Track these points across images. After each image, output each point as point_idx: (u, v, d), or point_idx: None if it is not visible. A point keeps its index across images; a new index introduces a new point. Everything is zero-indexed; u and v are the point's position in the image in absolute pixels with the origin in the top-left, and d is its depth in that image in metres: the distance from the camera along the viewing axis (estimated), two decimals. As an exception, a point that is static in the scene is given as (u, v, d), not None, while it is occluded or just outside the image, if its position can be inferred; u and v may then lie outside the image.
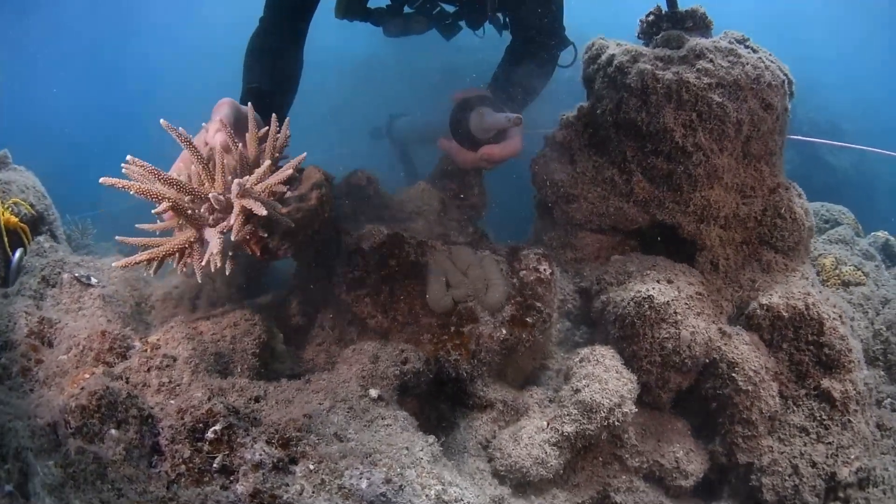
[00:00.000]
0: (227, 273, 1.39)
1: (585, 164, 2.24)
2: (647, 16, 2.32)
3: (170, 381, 1.44)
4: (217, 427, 1.23)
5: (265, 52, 2.06)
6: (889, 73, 10.99)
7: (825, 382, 1.86)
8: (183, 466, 1.20)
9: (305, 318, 2.02)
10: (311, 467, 1.18)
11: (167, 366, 1.49)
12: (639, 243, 2.29)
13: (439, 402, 1.81)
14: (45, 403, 1.44)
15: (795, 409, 1.89)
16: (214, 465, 1.20)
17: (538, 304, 1.84)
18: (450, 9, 3.17)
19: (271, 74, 1.97)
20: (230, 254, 1.41)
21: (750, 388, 1.81)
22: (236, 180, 1.40)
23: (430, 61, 5.29)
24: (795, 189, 2.17)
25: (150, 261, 1.43)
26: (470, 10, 3.03)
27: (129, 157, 1.39)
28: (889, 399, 2.36)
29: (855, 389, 1.86)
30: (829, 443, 1.83)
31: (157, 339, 1.62)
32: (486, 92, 2.35)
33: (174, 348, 1.56)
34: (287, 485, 1.16)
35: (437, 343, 1.71)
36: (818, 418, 1.86)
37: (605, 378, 1.69)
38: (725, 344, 1.87)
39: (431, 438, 1.39)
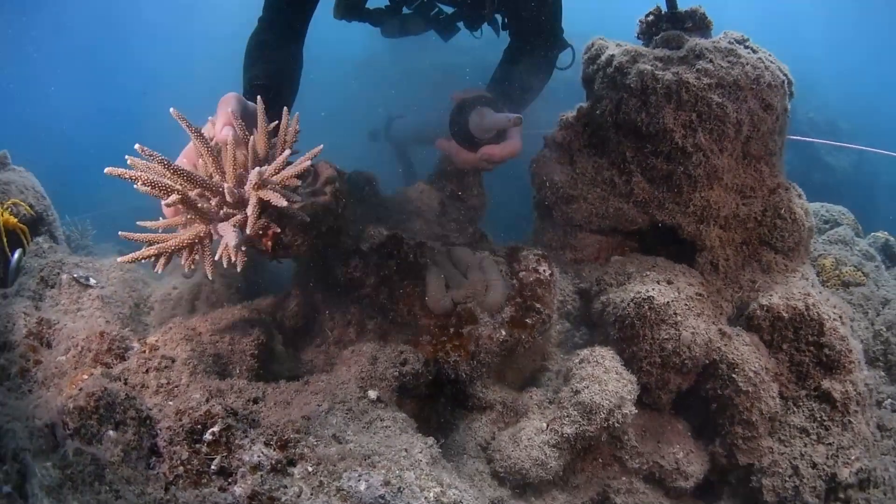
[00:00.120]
0: (238, 269, 1.33)
1: (585, 164, 2.24)
2: (647, 16, 2.32)
3: (168, 383, 1.44)
4: (215, 428, 1.22)
5: (266, 50, 2.05)
6: (889, 72, 10.99)
7: (825, 383, 1.86)
8: (181, 468, 1.20)
9: (304, 319, 2.01)
10: (310, 469, 1.18)
11: (165, 367, 1.49)
12: (638, 244, 2.29)
13: (438, 404, 1.81)
14: (43, 404, 1.44)
15: (796, 409, 1.89)
16: (212, 467, 1.20)
17: (538, 305, 1.84)
18: (448, 10, 3.17)
19: (273, 72, 1.95)
20: (242, 248, 1.34)
21: (750, 388, 1.81)
22: (255, 169, 1.34)
23: (429, 62, 5.28)
24: (795, 189, 2.16)
25: (158, 256, 1.35)
26: (468, 11, 3.03)
27: (138, 146, 1.31)
28: (889, 399, 2.36)
29: (855, 390, 1.85)
30: (830, 444, 1.83)
31: (156, 341, 1.62)
32: (486, 92, 2.35)
33: (172, 349, 1.56)
34: (285, 487, 1.16)
35: (437, 344, 1.71)
36: (818, 419, 1.86)
37: (604, 379, 1.69)
38: (725, 345, 1.87)
39: (430, 440, 1.39)
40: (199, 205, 1.35)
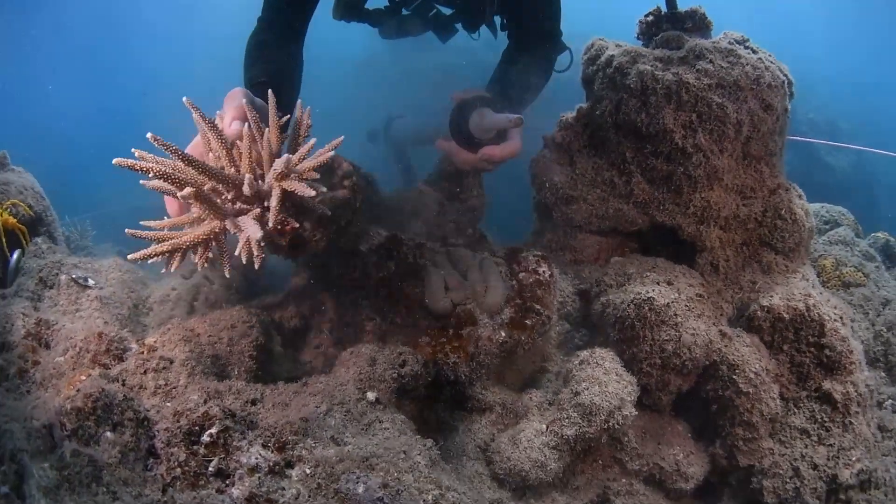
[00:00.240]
0: (256, 266, 1.26)
1: (585, 165, 2.23)
2: (647, 16, 2.32)
3: (166, 384, 1.44)
4: (213, 430, 1.22)
5: (266, 50, 2.04)
6: (889, 73, 10.99)
7: (826, 384, 1.85)
8: (178, 470, 1.19)
9: (303, 320, 2.01)
10: (308, 471, 1.17)
11: (164, 368, 1.48)
12: (638, 245, 2.29)
13: (438, 405, 1.80)
14: (41, 405, 1.43)
15: (796, 410, 1.88)
16: (210, 469, 1.19)
17: (537, 307, 1.83)
18: (446, 11, 3.17)
19: (274, 72, 1.93)
20: (262, 244, 1.27)
21: (751, 390, 1.81)
22: (284, 156, 1.28)
23: (428, 62, 5.28)
24: (796, 190, 2.16)
25: (171, 252, 1.29)
26: (467, 12, 3.03)
27: (150, 136, 1.24)
28: (890, 400, 2.35)
29: (856, 391, 1.85)
30: (831, 445, 1.82)
31: (154, 341, 1.61)
32: (486, 93, 2.34)
33: (171, 350, 1.56)
34: (283, 489, 1.15)
35: (436, 345, 1.70)
36: (819, 420, 1.85)
37: (604, 380, 1.68)
38: (726, 346, 1.86)
39: (429, 442, 1.38)
40: (215, 199, 1.27)
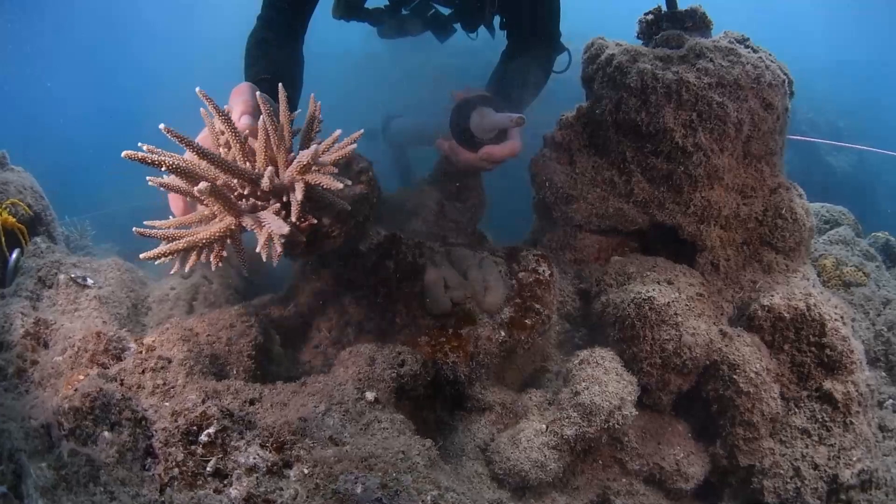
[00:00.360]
0: (274, 264, 1.22)
1: (585, 164, 2.23)
2: (647, 15, 2.31)
3: (164, 383, 1.43)
4: (211, 430, 1.21)
5: (266, 48, 2.03)
6: (889, 72, 10.98)
7: (827, 384, 1.85)
8: (176, 469, 1.19)
9: (302, 319, 2.00)
10: (306, 471, 1.17)
11: (162, 367, 1.48)
12: (639, 244, 2.28)
13: (437, 405, 1.80)
14: (39, 405, 1.43)
15: (797, 410, 1.88)
16: (208, 469, 1.18)
17: (537, 306, 1.83)
18: (445, 11, 3.17)
19: (278, 68, 1.91)
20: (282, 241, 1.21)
21: (751, 389, 1.80)
22: (312, 147, 1.24)
23: (426, 62, 5.27)
24: (796, 189, 2.15)
25: (187, 250, 1.23)
26: (466, 12, 3.03)
27: (163, 127, 1.18)
28: (891, 400, 2.35)
29: (857, 391, 1.84)
30: (831, 445, 1.82)
31: (153, 341, 1.61)
32: (486, 92, 2.34)
33: (169, 350, 1.55)
34: (281, 489, 1.15)
35: (435, 345, 1.70)
36: (820, 420, 1.85)
37: (604, 380, 1.68)
38: (726, 345, 1.86)
39: (428, 442, 1.38)
40: (229, 195, 1.22)
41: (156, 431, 1.27)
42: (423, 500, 1.14)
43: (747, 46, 2.11)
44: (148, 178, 1.25)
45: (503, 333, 1.76)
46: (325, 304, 1.96)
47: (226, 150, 1.36)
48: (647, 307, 1.81)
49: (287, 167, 1.28)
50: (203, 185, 1.13)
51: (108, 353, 1.55)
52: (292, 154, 1.34)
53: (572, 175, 2.23)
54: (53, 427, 1.36)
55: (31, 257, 2.11)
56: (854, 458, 1.80)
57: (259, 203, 1.27)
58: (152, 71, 9.57)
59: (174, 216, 1.38)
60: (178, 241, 1.21)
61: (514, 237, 2.54)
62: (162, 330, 1.66)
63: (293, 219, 1.20)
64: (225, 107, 1.50)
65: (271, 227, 1.17)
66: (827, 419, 1.84)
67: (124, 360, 1.54)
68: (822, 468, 1.79)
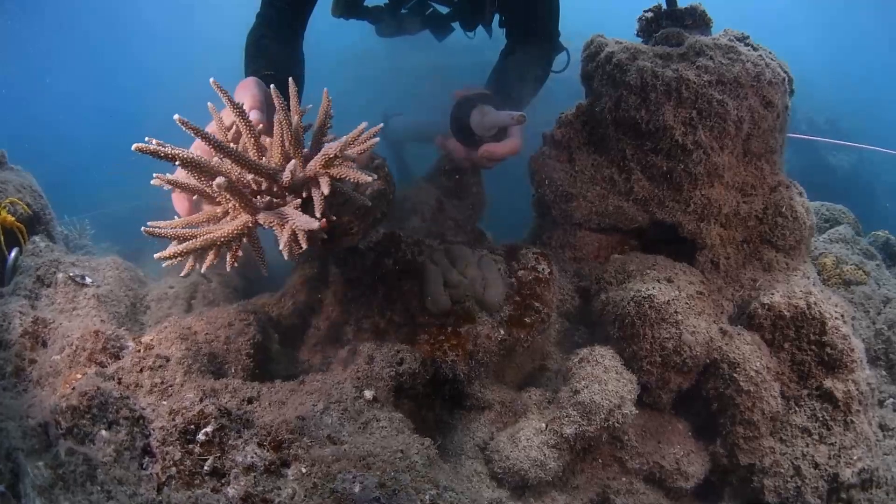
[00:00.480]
0: (291, 258, 1.16)
1: (584, 162, 2.22)
2: (646, 13, 2.31)
3: (162, 382, 1.43)
4: (208, 429, 1.21)
5: (266, 45, 2.01)
6: (889, 72, 10.97)
7: (827, 382, 1.84)
8: (174, 469, 1.18)
9: (301, 318, 2.00)
10: (304, 470, 1.16)
11: (160, 366, 1.47)
12: (638, 242, 2.27)
13: (436, 404, 1.79)
14: (37, 404, 1.43)
15: (797, 409, 1.87)
16: (205, 468, 1.18)
17: (537, 304, 1.82)
18: (443, 10, 3.17)
19: (279, 65, 1.89)
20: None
21: (751, 388, 1.79)
22: (341, 138, 1.20)
23: (423, 60, 5.26)
24: (796, 187, 2.15)
25: (204, 249, 1.18)
26: (465, 11, 3.02)
27: (177, 118, 1.12)
28: (891, 399, 2.34)
29: (857, 389, 1.83)
30: (832, 443, 1.81)
31: (151, 339, 1.60)
32: (486, 90, 2.34)
33: (167, 348, 1.55)
34: (279, 488, 1.14)
35: (434, 343, 1.69)
36: (820, 419, 1.84)
37: (604, 379, 1.67)
38: (726, 344, 1.85)
39: (427, 441, 1.37)
40: (245, 192, 1.18)
41: (153, 430, 1.27)
42: (421, 500, 1.13)
43: (747, 44, 2.10)
44: (155, 174, 1.20)
45: (502, 332, 1.75)
46: (323, 302, 1.96)
47: (234, 145, 1.30)
48: (646, 305, 1.80)
49: (301, 163, 1.25)
50: (221, 180, 1.08)
51: (106, 352, 1.55)
52: (305, 150, 1.30)
53: (572, 173, 2.22)
54: (51, 426, 1.35)
55: (30, 256, 2.10)
56: (855, 457, 1.79)
57: (275, 200, 1.23)
58: (152, 71, 9.57)
59: (179, 216, 1.33)
60: (194, 240, 1.17)
61: (513, 235, 2.53)
62: (160, 328, 1.66)
63: (317, 214, 1.16)
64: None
65: (298, 222, 1.12)
66: (827, 418, 1.83)
67: (122, 358, 1.54)
68: (822, 467, 1.79)
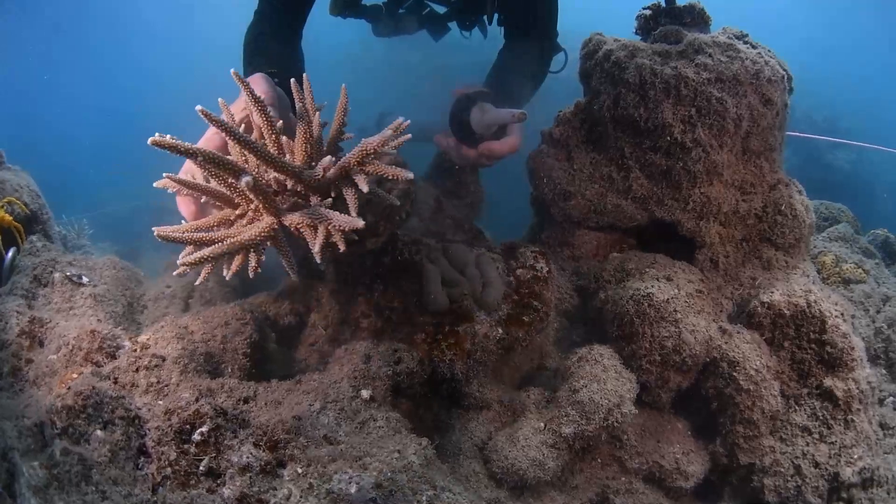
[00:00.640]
0: (317, 261, 1.11)
1: (583, 160, 2.21)
2: (645, 10, 2.30)
3: (158, 382, 1.42)
4: (204, 429, 1.20)
5: (268, 42, 2.00)
6: (889, 71, 10.96)
7: (827, 381, 1.83)
8: (169, 469, 1.18)
9: (298, 317, 1.99)
10: (300, 471, 1.15)
11: (156, 366, 1.46)
12: (637, 241, 2.27)
13: (434, 403, 1.78)
14: (33, 403, 1.42)
15: (797, 408, 1.86)
16: (201, 468, 1.17)
17: (535, 303, 1.81)
18: (440, 10, 3.17)
19: (282, 63, 1.86)
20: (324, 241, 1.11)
21: (751, 387, 1.78)
22: (380, 134, 1.14)
23: (419, 60, 5.25)
24: (795, 185, 2.14)
25: (229, 254, 1.11)
26: (465, 10, 3.02)
27: (199, 108, 1.06)
28: (891, 398, 2.33)
29: (858, 388, 1.83)
30: (832, 442, 1.80)
31: (147, 339, 1.59)
32: (486, 88, 2.33)
33: (163, 348, 1.54)
34: (274, 489, 1.13)
35: (432, 343, 1.68)
36: (821, 418, 1.83)
37: (603, 378, 1.66)
38: (726, 342, 1.84)
39: (424, 441, 1.36)
40: (269, 192, 1.12)
41: (149, 430, 1.26)
42: (418, 500, 1.13)
43: (746, 42, 2.10)
44: (165, 174, 1.15)
45: (501, 331, 1.74)
46: (321, 301, 1.95)
47: (260, 142, 1.24)
48: (646, 304, 1.80)
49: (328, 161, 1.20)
50: (248, 179, 1.02)
51: (102, 352, 1.54)
52: (323, 148, 1.26)
53: (570, 171, 2.22)
54: (46, 426, 1.35)
55: (27, 256, 2.10)
56: (855, 456, 1.78)
57: (300, 201, 1.18)
58: (152, 71, 9.58)
59: (185, 220, 1.28)
60: (219, 245, 1.10)
61: (511, 234, 2.52)
62: (156, 328, 1.65)
63: (353, 213, 1.11)
64: (236, 101, 1.42)
65: (338, 222, 1.07)
66: (828, 416, 1.82)
67: (118, 358, 1.53)
68: (823, 466, 1.78)
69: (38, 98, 8.98)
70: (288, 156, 1.22)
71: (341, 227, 1.08)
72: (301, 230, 1.13)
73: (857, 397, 1.82)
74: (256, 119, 1.23)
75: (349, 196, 1.13)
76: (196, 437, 1.20)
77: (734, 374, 1.80)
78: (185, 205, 1.33)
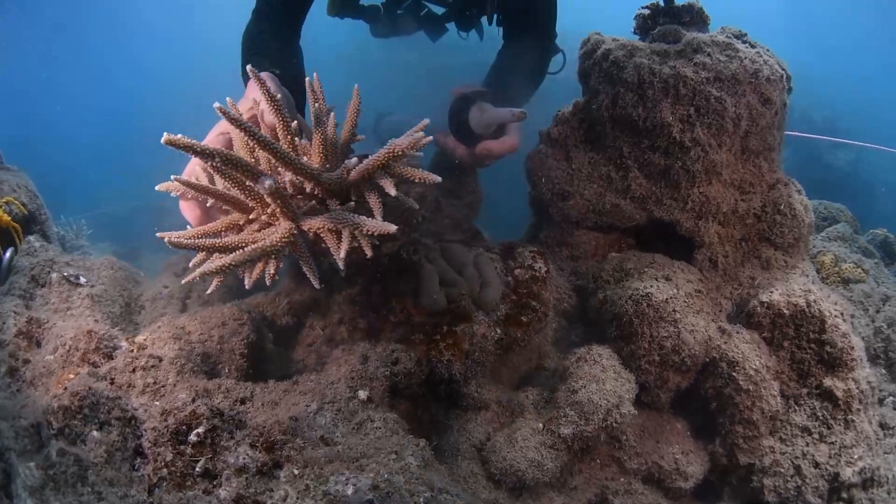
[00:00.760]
0: (340, 267, 1.06)
1: (581, 160, 2.21)
2: (643, 10, 2.29)
3: (155, 382, 1.41)
4: (200, 430, 1.19)
5: (268, 42, 1.99)
6: (888, 71, 10.95)
7: (827, 381, 1.83)
8: (165, 470, 1.17)
9: (296, 318, 1.98)
10: (296, 472, 1.15)
11: (153, 366, 1.46)
12: (636, 240, 2.26)
13: (432, 404, 1.78)
14: (30, 404, 1.42)
15: (797, 408, 1.86)
16: (197, 469, 1.17)
17: (534, 303, 1.81)
18: (438, 10, 3.16)
19: (282, 63, 1.84)
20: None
21: (751, 387, 1.78)
22: (400, 140, 1.10)
23: (417, 60, 5.25)
24: (794, 185, 2.13)
25: (252, 261, 1.08)
26: (464, 11, 3.02)
27: (217, 105, 1.02)
28: (891, 397, 2.33)
29: (857, 388, 1.82)
30: (832, 442, 1.80)
31: (144, 339, 1.59)
32: (485, 88, 2.33)
33: (160, 348, 1.53)
34: (271, 490, 1.13)
35: (430, 343, 1.68)
36: (820, 418, 1.83)
37: (602, 378, 1.66)
38: (725, 342, 1.84)
39: (422, 442, 1.35)
40: (288, 197, 1.09)
41: (145, 431, 1.26)
42: (415, 502, 1.12)
43: (745, 42, 2.09)
44: (173, 177, 1.12)
45: (499, 331, 1.74)
46: (318, 301, 1.94)
47: (279, 143, 1.20)
48: (644, 304, 1.79)
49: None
50: (270, 182, 0.99)
51: (99, 352, 1.54)
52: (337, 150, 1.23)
53: (568, 171, 2.21)
54: (43, 426, 1.34)
55: (25, 256, 2.09)
56: (855, 456, 1.78)
57: (317, 205, 1.14)
58: (152, 71, 9.58)
59: (190, 224, 1.24)
60: (241, 252, 1.06)
61: (510, 234, 2.51)
62: (153, 328, 1.65)
63: (378, 217, 1.07)
64: (241, 100, 1.39)
65: (369, 227, 1.03)
66: (828, 416, 1.82)
67: (115, 358, 1.53)
68: (822, 466, 1.77)
69: (38, 98, 8.98)
70: (304, 158, 1.19)
71: (372, 232, 1.04)
72: (322, 235, 1.10)
73: (856, 397, 1.81)
74: (270, 119, 1.19)
75: (373, 200, 1.10)
76: (192, 438, 1.19)
77: (733, 374, 1.79)
78: (189, 209, 1.30)
